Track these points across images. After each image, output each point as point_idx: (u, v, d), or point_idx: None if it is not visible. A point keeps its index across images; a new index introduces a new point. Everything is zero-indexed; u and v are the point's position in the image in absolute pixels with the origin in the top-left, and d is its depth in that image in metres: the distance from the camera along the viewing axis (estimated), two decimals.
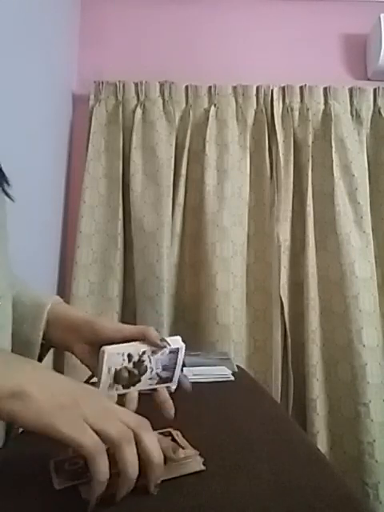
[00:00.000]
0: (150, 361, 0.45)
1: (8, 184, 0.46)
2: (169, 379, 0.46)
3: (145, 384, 0.45)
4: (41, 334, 0.49)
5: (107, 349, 0.42)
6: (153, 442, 0.32)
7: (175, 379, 0.47)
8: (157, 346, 0.44)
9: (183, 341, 0.46)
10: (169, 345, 0.45)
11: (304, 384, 1.35)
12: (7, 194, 0.46)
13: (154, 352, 0.45)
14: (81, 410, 0.31)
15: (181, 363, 0.47)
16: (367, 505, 1.18)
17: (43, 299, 0.52)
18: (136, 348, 0.44)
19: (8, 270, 0.47)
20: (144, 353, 0.44)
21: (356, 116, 1.52)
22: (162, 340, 0.45)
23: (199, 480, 0.33)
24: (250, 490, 0.32)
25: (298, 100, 1.53)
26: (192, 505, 0.30)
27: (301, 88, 1.53)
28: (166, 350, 0.45)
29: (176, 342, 0.46)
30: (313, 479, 0.33)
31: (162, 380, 0.46)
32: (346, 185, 1.45)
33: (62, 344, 0.50)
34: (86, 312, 1.37)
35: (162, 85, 1.52)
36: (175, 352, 0.46)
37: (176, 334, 0.48)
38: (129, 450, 0.31)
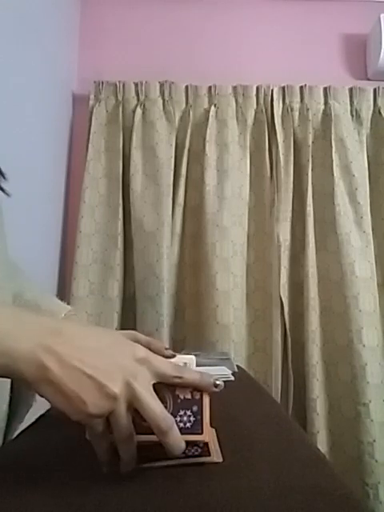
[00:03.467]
0: None
1: (4, 178, 0.46)
2: None
3: None
4: None
5: None
6: (150, 404, 0.32)
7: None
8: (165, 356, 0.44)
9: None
10: (173, 354, 0.44)
11: (304, 384, 1.35)
12: (2, 189, 0.46)
13: None
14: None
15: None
16: (367, 505, 1.18)
17: (56, 308, 0.53)
18: None
19: (7, 265, 0.48)
20: None
21: (356, 116, 1.52)
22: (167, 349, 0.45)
23: (199, 480, 0.33)
24: (250, 490, 0.32)
25: (298, 100, 1.53)
26: (192, 505, 0.30)
27: (301, 88, 1.53)
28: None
29: (183, 358, 0.45)
30: (313, 479, 0.33)
31: None
32: (346, 185, 1.45)
33: None
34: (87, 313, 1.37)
35: (161, 85, 1.52)
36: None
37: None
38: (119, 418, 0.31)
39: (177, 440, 0.32)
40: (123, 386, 0.31)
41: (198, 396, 0.35)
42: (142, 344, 0.42)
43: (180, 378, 0.34)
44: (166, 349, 0.44)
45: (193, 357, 0.45)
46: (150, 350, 0.42)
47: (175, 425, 0.32)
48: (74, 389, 0.30)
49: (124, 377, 0.31)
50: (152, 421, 0.31)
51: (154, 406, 0.32)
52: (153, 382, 0.33)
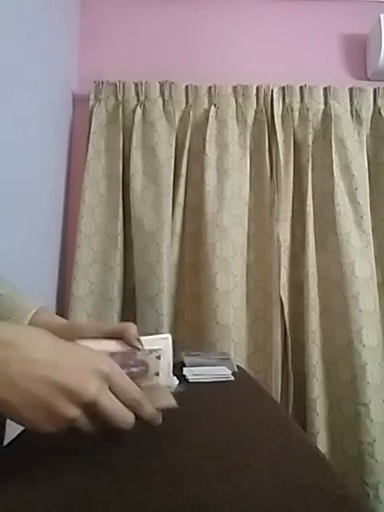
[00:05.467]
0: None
1: None
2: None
3: None
4: None
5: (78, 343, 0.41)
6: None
7: (164, 378, 0.46)
8: (132, 347, 0.44)
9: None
10: (141, 347, 0.44)
11: (304, 384, 1.35)
12: None
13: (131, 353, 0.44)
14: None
15: (167, 362, 0.46)
16: (367, 505, 1.18)
17: (30, 303, 0.53)
18: (108, 348, 0.43)
19: None
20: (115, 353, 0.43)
21: (356, 116, 1.52)
22: (138, 340, 0.44)
23: (199, 480, 0.33)
24: (250, 489, 0.32)
25: (298, 100, 1.53)
26: (192, 505, 0.30)
27: (301, 88, 1.53)
28: (146, 351, 0.44)
29: (158, 341, 0.45)
30: (313, 479, 0.33)
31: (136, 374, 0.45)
32: (346, 185, 1.45)
33: None
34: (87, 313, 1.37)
35: (161, 85, 1.52)
36: (156, 351, 0.44)
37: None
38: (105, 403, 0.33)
39: (153, 411, 0.36)
40: (82, 405, 0.31)
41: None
42: (129, 339, 0.43)
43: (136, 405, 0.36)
44: (137, 339, 0.45)
45: (168, 335, 0.45)
46: (123, 336, 0.43)
47: (141, 403, 0.36)
48: (25, 411, 0.30)
49: (84, 396, 0.31)
50: (126, 396, 0.34)
51: (111, 408, 0.33)
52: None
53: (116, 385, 0.34)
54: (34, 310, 0.51)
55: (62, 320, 0.52)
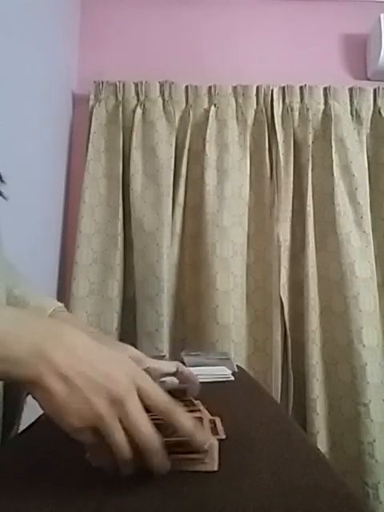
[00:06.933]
0: None
1: (2, 181, 0.46)
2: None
3: None
4: None
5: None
6: (139, 419, 0.31)
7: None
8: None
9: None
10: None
11: (304, 384, 1.35)
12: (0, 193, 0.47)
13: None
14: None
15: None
16: (367, 505, 1.18)
17: (46, 303, 0.53)
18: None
19: (1, 262, 0.48)
20: None
21: (356, 116, 1.52)
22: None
23: (199, 480, 0.33)
24: (250, 489, 0.32)
25: (298, 100, 1.53)
26: (192, 505, 0.30)
27: (301, 88, 1.53)
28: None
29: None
30: (313, 479, 0.33)
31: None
32: (346, 185, 1.45)
33: None
34: (88, 315, 1.37)
35: (161, 85, 1.52)
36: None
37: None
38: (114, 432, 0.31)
39: (163, 461, 0.32)
40: (111, 404, 0.31)
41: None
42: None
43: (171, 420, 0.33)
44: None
45: (178, 363, 0.46)
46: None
47: (162, 448, 0.32)
48: (63, 400, 0.30)
49: (115, 395, 0.31)
50: (140, 442, 0.31)
51: (142, 427, 0.31)
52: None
53: (146, 390, 0.33)
54: (49, 311, 0.51)
55: (79, 322, 0.52)
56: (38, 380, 0.30)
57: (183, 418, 0.33)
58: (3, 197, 0.47)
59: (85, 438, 0.31)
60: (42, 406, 0.31)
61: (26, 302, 0.52)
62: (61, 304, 0.55)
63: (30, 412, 0.54)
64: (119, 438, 0.31)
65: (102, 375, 0.32)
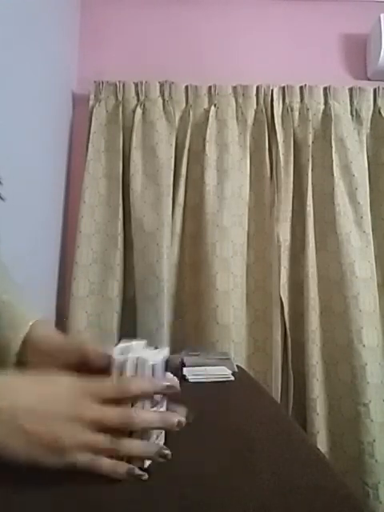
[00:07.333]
0: None
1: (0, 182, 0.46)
2: None
3: None
4: (20, 343, 0.48)
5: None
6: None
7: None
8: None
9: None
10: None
11: (304, 384, 1.35)
12: None
13: None
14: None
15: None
16: (367, 505, 1.18)
17: (29, 314, 0.52)
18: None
19: None
20: None
21: (356, 116, 1.52)
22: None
23: (199, 480, 0.33)
24: (250, 489, 0.32)
25: (298, 100, 1.53)
26: (192, 505, 0.30)
27: (301, 88, 1.53)
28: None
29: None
30: (313, 479, 0.33)
31: None
32: (346, 185, 1.45)
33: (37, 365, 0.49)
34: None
35: (161, 85, 1.52)
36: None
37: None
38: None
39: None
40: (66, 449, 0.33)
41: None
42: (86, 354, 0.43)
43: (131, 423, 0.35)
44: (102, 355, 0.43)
45: (142, 342, 0.43)
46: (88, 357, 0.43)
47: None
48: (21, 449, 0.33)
49: (64, 446, 0.34)
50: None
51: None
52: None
53: (93, 417, 0.35)
54: (31, 322, 0.51)
55: (60, 336, 0.51)
56: None
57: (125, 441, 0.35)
58: (1, 198, 0.47)
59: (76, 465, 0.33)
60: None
61: (12, 309, 0.52)
62: (40, 316, 0.55)
63: None
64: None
65: (50, 424, 0.34)
